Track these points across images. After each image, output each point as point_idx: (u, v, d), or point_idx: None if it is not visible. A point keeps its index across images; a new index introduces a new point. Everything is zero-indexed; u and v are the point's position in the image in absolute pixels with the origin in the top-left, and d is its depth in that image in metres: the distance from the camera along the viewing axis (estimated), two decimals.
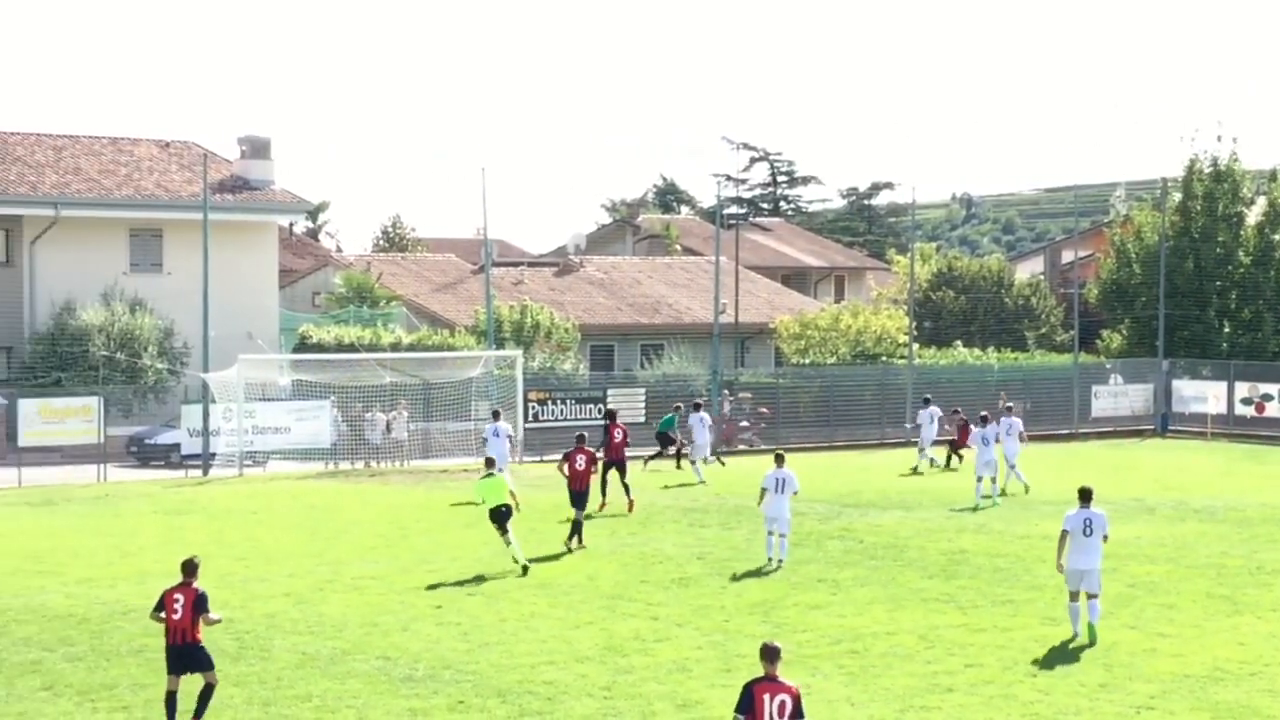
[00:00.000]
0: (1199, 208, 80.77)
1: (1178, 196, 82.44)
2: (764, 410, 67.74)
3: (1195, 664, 25.55)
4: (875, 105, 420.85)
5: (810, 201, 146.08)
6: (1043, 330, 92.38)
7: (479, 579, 33.08)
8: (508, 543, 34.53)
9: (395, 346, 68.05)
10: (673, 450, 55.70)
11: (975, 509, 44.37)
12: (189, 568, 22.13)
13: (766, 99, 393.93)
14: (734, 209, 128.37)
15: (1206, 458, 61.98)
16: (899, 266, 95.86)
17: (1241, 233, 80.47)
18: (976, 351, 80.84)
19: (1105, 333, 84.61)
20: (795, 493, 35.10)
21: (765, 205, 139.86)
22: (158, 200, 69.76)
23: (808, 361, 76.55)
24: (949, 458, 56.76)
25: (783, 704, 16.87)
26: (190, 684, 22.00)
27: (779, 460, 35.55)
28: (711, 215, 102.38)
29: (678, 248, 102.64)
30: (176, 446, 57.46)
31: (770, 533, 35.02)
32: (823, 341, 78.38)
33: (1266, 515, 43.49)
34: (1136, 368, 76.44)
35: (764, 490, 35.13)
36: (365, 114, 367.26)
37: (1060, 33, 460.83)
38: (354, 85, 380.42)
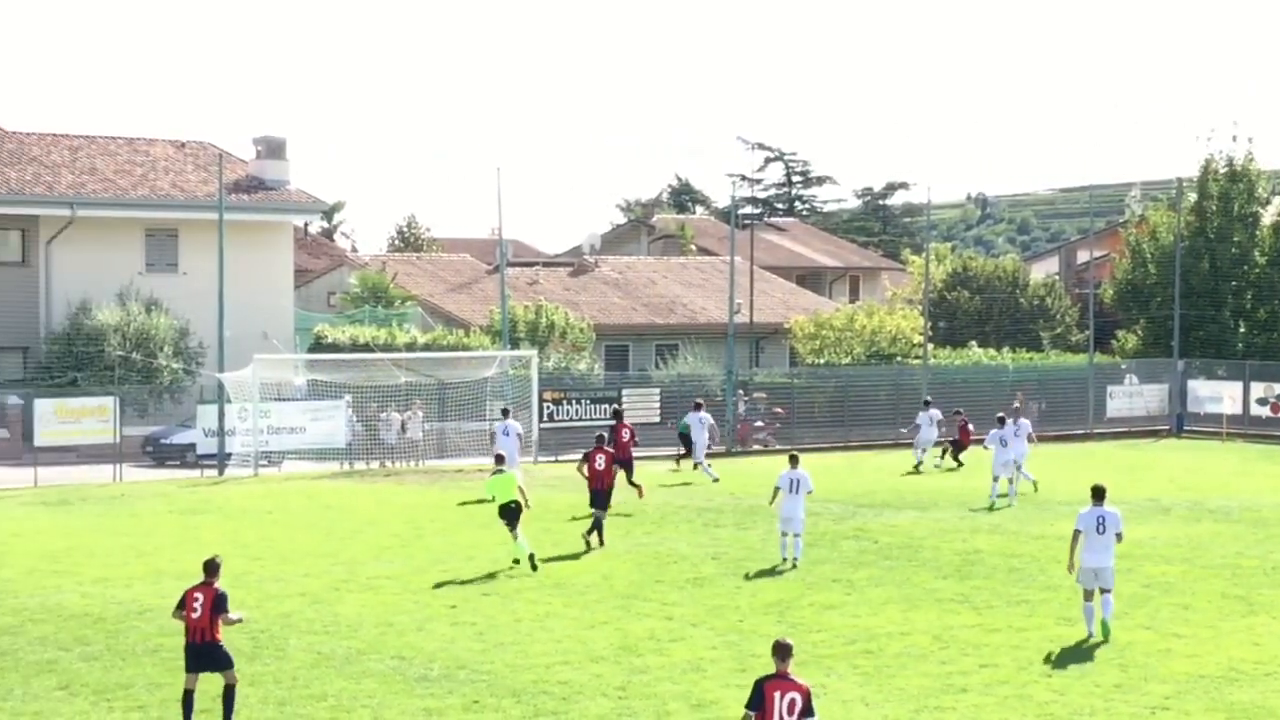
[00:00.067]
0: (1214, 208, 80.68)
1: (1193, 196, 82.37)
2: (779, 410, 67.70)
3: (1210, 664, 25.52)
4: (890, 105, 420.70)
5: (825, 201, 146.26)
6: (1058, 330, 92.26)
7: (494, 579, 33.11)
8: (513, 536, 34.64)
9: (410, 346, 68.08)
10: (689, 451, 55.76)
11: (990, 509, 44.36)
12: (210, 567, 22.16)
13: (782, 99, 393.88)
14: (749, 209, 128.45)
15: (1222, 458, 61.89)
16: (914, 267, 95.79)
17: (1257, 233, 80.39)
18: (991, 352, 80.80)
19: (1120, 333, 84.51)
20: (809, 493, 35.13)
21: (780, 205, 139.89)
22: (173, 200, 69.87)
23: (822, 362, 76.52)
24: (943, 454, 56.80)
25: (793, 702, 16.86)
26: (207, 683, 22.02)
27: (793, 461, 35.58)
28: (726, 215, 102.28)
29: (693, 248, 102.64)
30: (192, 446, 57.50)
31: (784, 533, 35.02)
32: (837, 342, 78.36)
33: None
34: (1152, 368, 76.34)
35: (777, 489, 35.18)
36: (381, 114, 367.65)
37: (1076, 32, 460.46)
38: (369, 86, 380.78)
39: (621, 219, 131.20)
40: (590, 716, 22.64)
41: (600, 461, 38.18)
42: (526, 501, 35.20)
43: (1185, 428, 73.24)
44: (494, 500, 35.26)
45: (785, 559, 34.77)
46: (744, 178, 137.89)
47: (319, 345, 69.08)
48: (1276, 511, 44.23)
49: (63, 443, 55.02)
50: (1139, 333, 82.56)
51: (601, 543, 37.19)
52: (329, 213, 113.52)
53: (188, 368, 65.10)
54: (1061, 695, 23.65)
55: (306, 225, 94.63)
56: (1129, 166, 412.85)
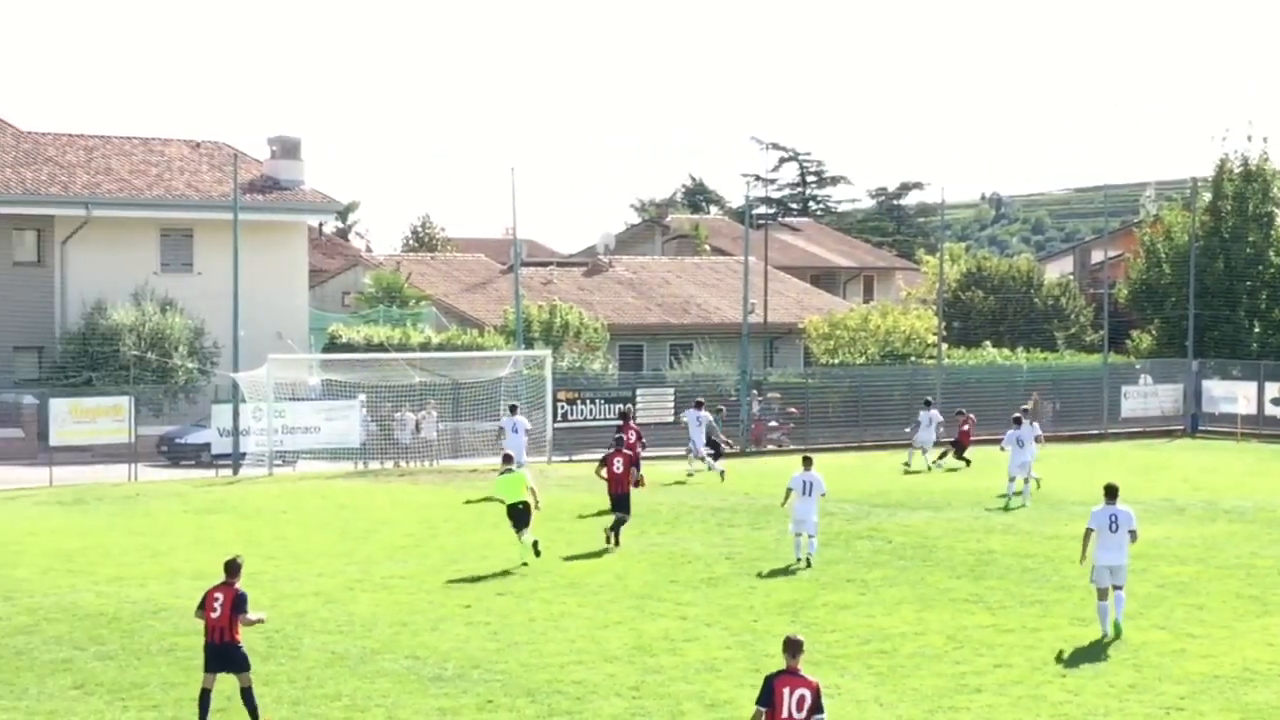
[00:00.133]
0: (1229, 207, 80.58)
1: (1208, 196, 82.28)
2: (793, 410, 67.70)
3: (1225, 665, 25.49)
4: (905, 105, 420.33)
5: (839, 201, 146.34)
6: (1072, 330, 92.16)
7: (508, 578, 33.14)
8: (525, 541, 34.76)
9: (424, 346, 68.17)
10: (725, 451, 56.07)
11: (1006, 509, 44.35)
12: (231, 567, 22.17)
13: (796, 99, 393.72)
14: (763, 209, 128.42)
15: (1237, 458, 61.81)
16: (928, 266, 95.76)
17: (1272, 232, 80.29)
18: (1006, 352, 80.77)
19: (1135, 333, 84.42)
20: (823, 495, 35.11)
21: (794, 205, 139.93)
22: (188, 200, 70.02)
23: (836, 362, 76.50)
24: (943, 455, 56.80)
25: (802, 698, 16.86)
26: (222, 683, 22.03)
27: (807, 463, 35.56)
28: (740, 215, 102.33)
29: (707, 248, 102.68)
30: (207, 446, 57.56)
31: (797, 534, 35.01)
32: (852, 342, 78.35)
33: None
34: (1166, 368, 76.27)
35: (789, 491, 35.19)
36: (395, 114, 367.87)
37: (1091, 32, 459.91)
38: (384, 86, 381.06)
39: (636, 219, 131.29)
40: (604, 716, 22.65)
41: (618, 464, 38.17)
42: (537, 503, 35.27)
43: (1200, 428, 73.17)
44: (502, 501, 35.32)
45: (799, 559, 34.77)
46: (758, 178, 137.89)
47: (333, 345, 69.18)
48: None
49: (78, 442, 55.11)
50: (1153, 333, 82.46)
51: (617, 543, 37.21)
52: (343, 213, 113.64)
53: (202, 367, 65.22)
54: (1076, 695, 23.64)
55: (321, 225, 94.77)
56: (1144, 166, 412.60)
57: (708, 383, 67.74)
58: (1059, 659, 25.89)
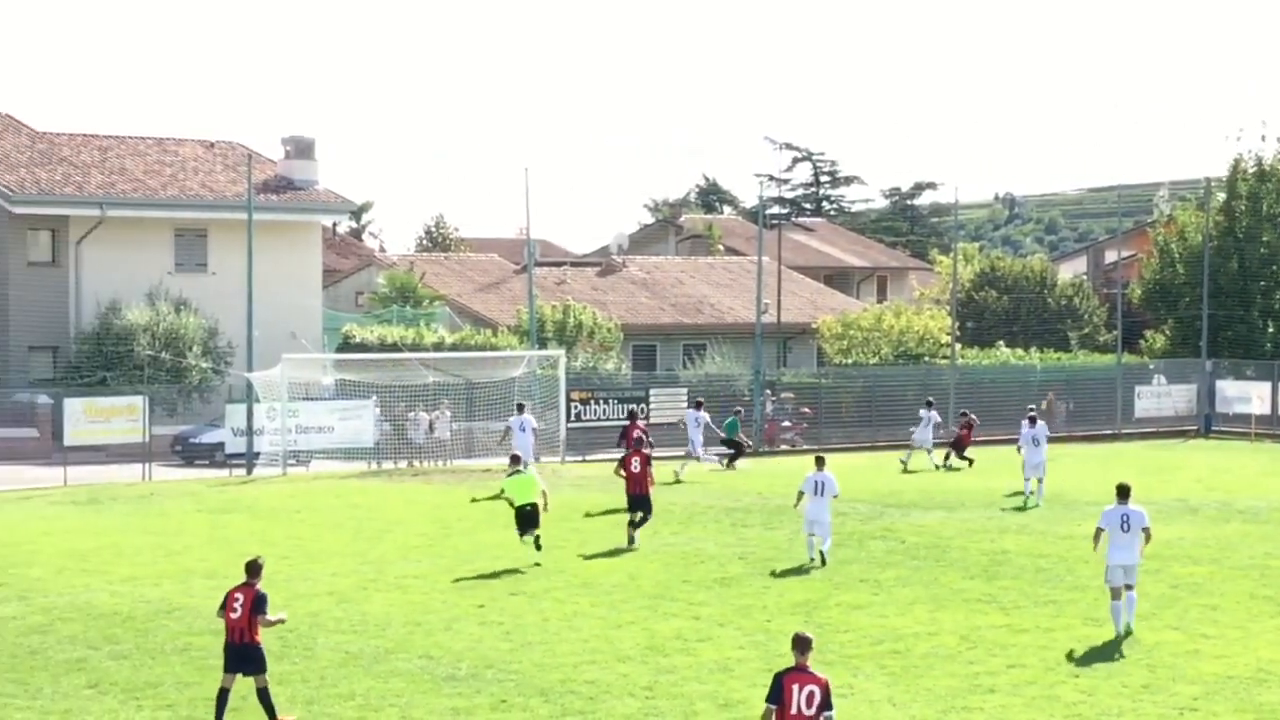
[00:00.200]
0: (1243, 207, 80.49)
1: (1222, 196, 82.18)
2: (806, 410, 67.74)
3: (1239, 665, 25.46)
4: (918, 105, 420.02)
5: (853, 201, 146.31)
6: (1086, 330, 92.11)
7: (521, 578, 33.16)
8: (527, 539, 34.87)
9: (438, 346, 68.24)
10: (747, 451, 56.20)
11: (1023, 508, 44.37)
12: (252, 568, 22.19)
13: (810, 99, 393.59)
14: (776, 209, 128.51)
15: (1250, 458, 61.72)
16: (942, 266, 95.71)
17: None
18: (1019, 352, 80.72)
19: (1149, 333, 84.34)
20: (835, 496, 35.06)
21: (808, 205, 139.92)
22: (202, 200, 70.13)
23: (850, 362, 76.52)
24: (946, 456, 56.81)
25: (811, 694, 16.88)
26: (240, 684, 22.03)
27: (819, 463, 35.53)
28: (754, 215, 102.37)
29: (720, 248, 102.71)
30: (221, 446, 57.62)
31: (811, 534, 35.01)
32: (865, 342, 78.37)
33: None
34: (1180, 368, 76.20)
35: (801, 493, 35.18)
36: (409, 114, 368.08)
37: (1105, 31, 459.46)
38: (397, 86, 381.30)
39: (649, 219, 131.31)
40: (617, 716, 22.67)
41: (636, 464, 38.18)
42: (546, 505, 35.31)
43: (1213, 428, 73.11)
44: (511, 502, 35.35)
45: (812, 559, 34.77)
46: (772, 178, 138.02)
47: (347, 345, 69.27)
48: None
49: (92, 442, 55.21)
50: (1167, 333, 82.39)
51: (630, 542, 37.21)
52: (357, 213, 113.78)
53: (216, 367, 65.33)
54: (1089, 696, 23.63)
55: (335, 225, 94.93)
56: (1157, 166, 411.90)
57: (721, 383, 67.83)
58: (1073, 659, 25.88)
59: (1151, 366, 78.09)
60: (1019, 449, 47.73)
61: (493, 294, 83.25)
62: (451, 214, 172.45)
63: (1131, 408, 73.66)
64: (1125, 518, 27.49)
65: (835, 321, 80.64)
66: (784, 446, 64.95)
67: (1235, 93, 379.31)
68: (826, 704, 16.89)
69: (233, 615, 21.81)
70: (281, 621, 22.75)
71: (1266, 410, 71.67)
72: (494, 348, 67.64)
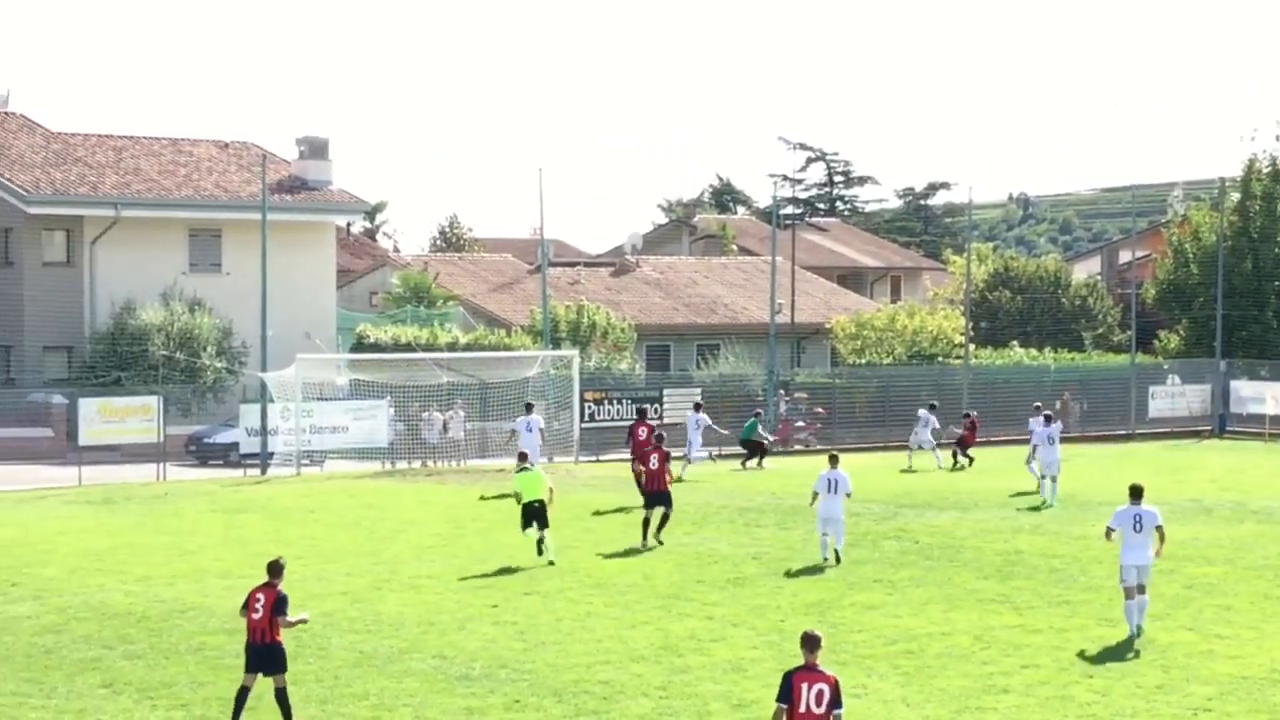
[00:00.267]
0: (1257, 207, 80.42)
1: (1236, 196, 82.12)
2: (820, 410, 67.75)
3: (1253, 666, 25.44)
4: (932, 105, 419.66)
5: (867, 202, 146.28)
6: (1100, 331, 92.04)
7: (535, 578, 33.18)
8: (538, 535, 35.02)
9: (452, 346, 68.27)
10: (761, 453, 56.31)
11: (1042, 507, 44.38)
12: (274, 568, 22.19)
13: (824, 99, 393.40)
14: (790, 209, 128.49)
15: (1265, 458, 61.63)
16: (955, 267, 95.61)
17: None
18: (1033, 352, 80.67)
19: (1163, 333, 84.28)
20: (849, 494, 35.04)
21: (822, 205, 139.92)
22: (217, 201, 70.22)
23: (864, 362, 76.51)
24: (955, 457, 56.97)
25: (820, 693, 16.88)
26: (263, 684, 22.03)
27: (833, 461, 35.57)
28: (768, 215, 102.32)
29: (734, 248, 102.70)
30: (235, 445, 57.69)
31: (824, 534, 35.03)
32: (879, 342, 78.35)
33: None
34: (1194, 368, 76.13)
35: (815, 493, 35.17)
36: (422, 114, 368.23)
37: (1119, 31, 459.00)
38: (411, 86, 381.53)
39: (663, 219, 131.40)
40: (631, 716, 22.69)
41: (654, 461, 38.22)
42: (551, 499, 35.49)
43: (1228, 428, 73.03)
44: (520, 498, 35.52)
45: (826, 559, 34.78)
46: (785, 178, 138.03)
47: (361, 345, 69.33)
48: None
49: (107, 442, 55.31)
50: (1181, 333, 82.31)
51: (644, 541, 37.23)
52: (371, 213, 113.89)
53: (231, 367, 65.41)
54: (1103, 696, 23.62)
55: (349, 225, 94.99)
56: (1172, 166, 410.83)
57: (735, 383, 67.86)
58: (1086, 659, 25.87)
59: (1166, 367, 78.02)
60: (1034, 448, 47.72)
61: (507, 294, 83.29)
62: (465, 214, 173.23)
63: (1146, 408, 73.58)
64: (1138, 518, 27.46)
65: (849, 322, 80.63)
66: (798, 446, 64.96)
67: (1250, 93, 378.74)
68: (836, 702, 16.90)
69: (254, 616, 21.82)
70: (304, 622, 22.74)
71: None
72: (508, 348, 67.68)
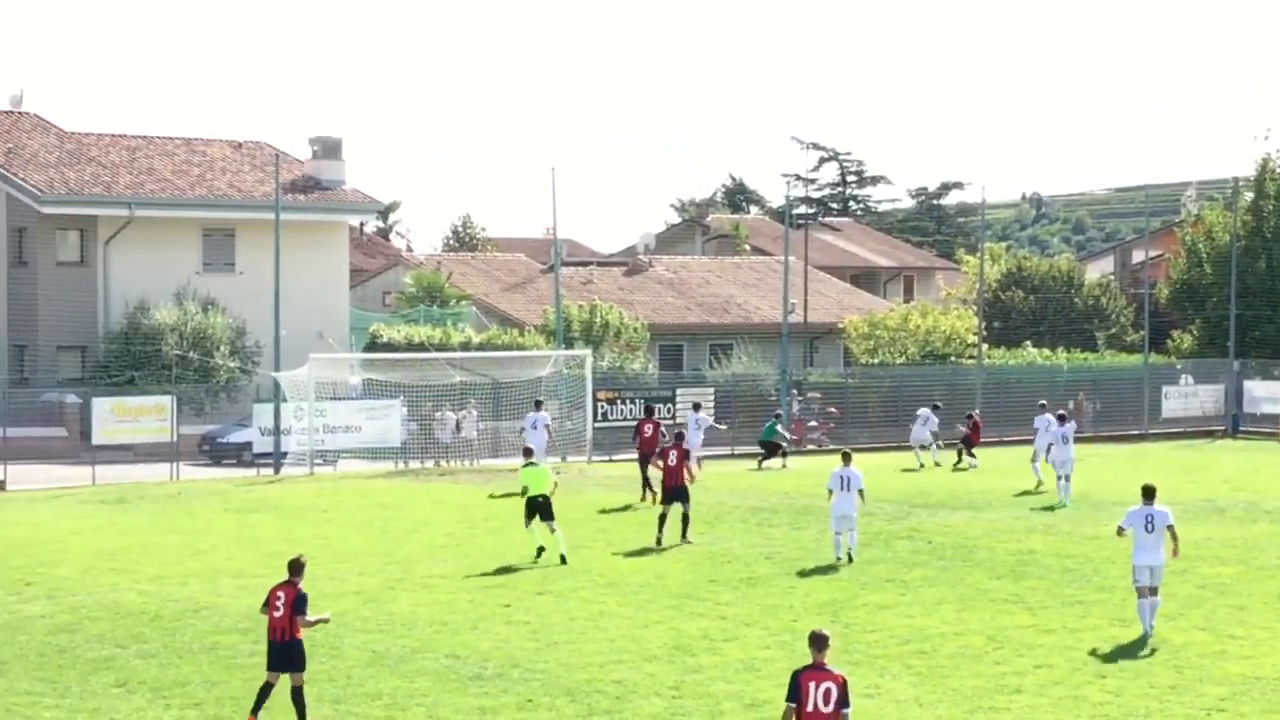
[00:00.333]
0: (1271, 207, 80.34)
1: (1249, 196, 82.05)
2: (833, 410, 67.73)
3: (1267, 666, 25.41)
4: (945, 105, 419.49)
5: (879, 201, 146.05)
6: (1113, 331, 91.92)
7: (548, 578, 33.20)
8: (549, 530, 35.18)
9: (465, 346, 68.27)
10: (780, 453, 56.44)
11: (1059, 506, 44.38)
12: (294, 567, 22.18)
13: (837, 99, 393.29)
14: (803, 209, 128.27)
15: (1278, 459, 61.54)
16: (968, 266, 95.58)
17: None
18: (1046, 352, 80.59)
19: (1176, 333, 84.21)
20: (861, 491, 35.02)
21: (834, 205, 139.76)
22: (230, 200, 70.27)
23: (876, 361, 76.47)
24: (960, 456, 57.08)
25: (828, 691, 16.89)
26: (282, 683, 22.06)
27: (845, 459, 35.58)
28: (781, 215, 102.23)
29: (747, 248, 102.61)
30: (248, 445, 57.74)
31: (837, 532, 35.05)
32: (892, 341, 78.29)
33: None
34: (1208, 368, 76.05)
35: (830, 490, 35.19)
36: (435, 114, 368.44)
37: (1132, 31, 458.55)
38: (425, 86, 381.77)
39: (676, 219, 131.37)
40: (644, 715, 22.69)
41: (673, 458, 38.27)
42: (553, 490, 35.75)
43: (1241, 428, 72.94)
44: (524, 492, 35.64)
45: (839, 558, 34.79)
46: (799, 177, 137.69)
47: (374, 345, 69.34)
48: None
49: (120, 441, 55.44)
50: (1194, 333, 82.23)
51: (659, 532, 37.25)
52: (384, 212, 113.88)
53: (244, 367, 65.46)
54: (1116, 696, 23.60)
55: (362, 225, 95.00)
56: (1185, 166, 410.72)
57: (747, 383, 67.84)
58: (1099, 659, 25.85)
59: (1179, 367, 77.95)
60: (1049, 446, 47.75)
61: (519, 294, 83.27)
62: (478, 213, 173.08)
63: (1159, 408, 73.53)
64: (1150, 518, 27.45)
65: (862, 321, 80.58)
66: (811, 446, 64.94)
67: (1263, 92, 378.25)
68: (844, 701, 16.91)
69: (275, 614, 21.83)
70: (324, 621, 22.72)
71: None
72: (521, 347, 67.68)
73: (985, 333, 78.12)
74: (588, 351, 63.33)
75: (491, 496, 46.82)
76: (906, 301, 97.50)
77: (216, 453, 60.18)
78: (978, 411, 60.43)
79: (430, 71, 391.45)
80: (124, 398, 56.59)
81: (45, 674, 25.03)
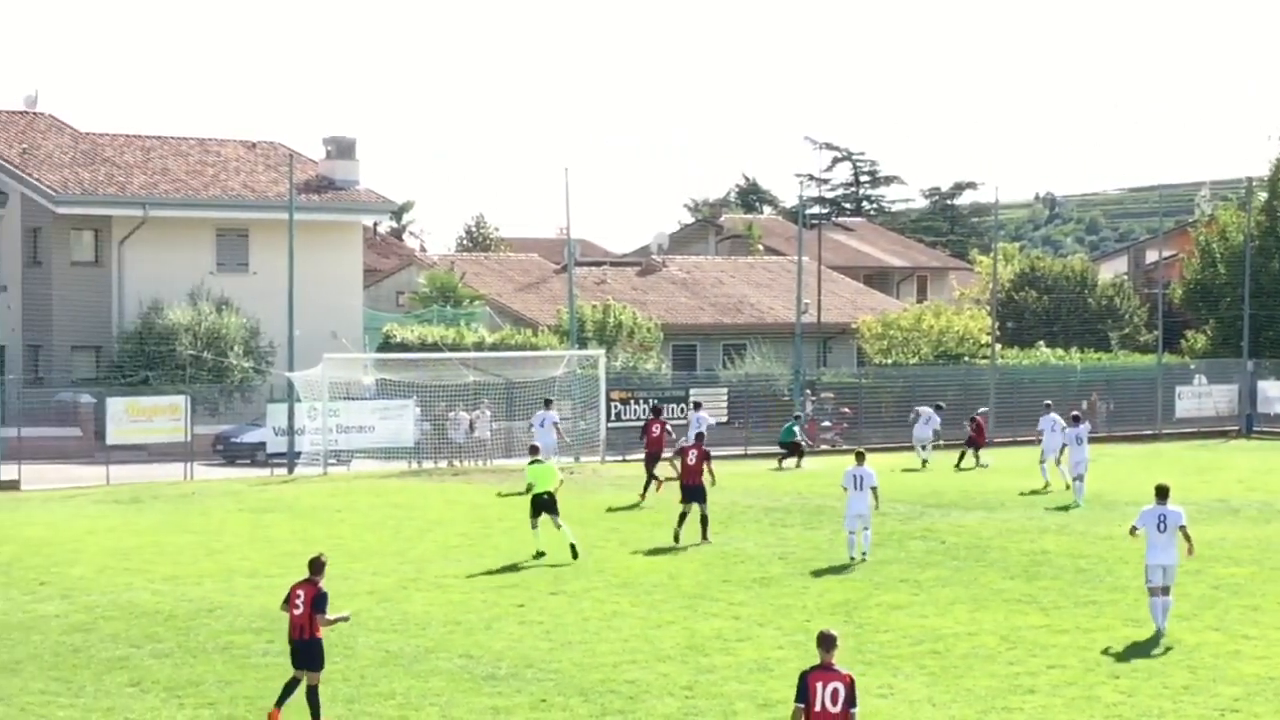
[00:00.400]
0: None
1: (1263, 196, 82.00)
2: (846, 410, 67.74)
3: None
4: (958, 105, 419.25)
5: (893, 201, 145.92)
6: (1126, 331, 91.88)
7: (561, 578, 33.20)
8: (555, 525, 35.32)
9: (479, 346, 68.32)
10: (799, 454, 56.60)
11: (1074, 505, 44.36)
12: (315, 565, 22.21)
13: (850, 99, 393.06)
14: (816, 209, 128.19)
15: None
16: (982, 266, 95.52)
17: None
18: (1059, 352, 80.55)
19: (1189, 333, 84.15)
20: (874, 489, 35.01)
21: (848, 205, 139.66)
22: (244, 200, 70.34)
23: (890, 362, 76.46)
24: (961, 456, 57.15)
25: (835, 691, 16.90)
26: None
27: (859, 458, 35.59)
28: (794, 215, 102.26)
29: (760, 247, 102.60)
30: (262, 445, 57.83)
31: (851, 532, 35.07)
32: (905, 342, 78.28)
33: None
34: (1221, 368, 75.98)
35: (845, 489, 35.22)
36: (449, 115, 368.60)
37: (1146, 31, 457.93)
38: (439, 86, 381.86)
39: (689, 219, 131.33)
40: (657, 715, 22.70)
41: (692, 457, 38.30)
42: (559, 487, 35.92)
43: (1255, 428, 72.86)
44: (531, 488, 35.76)
45: (853, 557, 34.80)
46: (812, 177, 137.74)
47: (388, 345, 69.40)
48: None
49: (134, 441, 55.53)
50: (1208, 333, 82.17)
51: (677, 539, 37.27)
52: (398, 213, 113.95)
53: (258, 367, 65.52)
54: (1129, 696, 23.59)
55: (376, 225, 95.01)
56: (1199, 166, 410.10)
57: (761, 383, 67.85)
58: (1113, 659, 25.82)
59: (1192, 367, 77.90)
60: (1062, 447, 47.75)
61: (533, 294, 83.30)
62: (492, 214, 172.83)
63: (1172, 408, 73.47)
64: (1162, 518, 27.46)
65: (875, 321, 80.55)
66: (824, 446, 64.94)
67: (1277, 92, 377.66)
68: (851, 700, 16.92)
69: (295, 612, 21.86)
70: (344, 620, 22.74)
71: None
72: (534, 347, 67.72)
73: (998, 333, 78.10)
74: (601, 352, 63.36)
75: (500, 495, 46.82)
76: (920, 302, 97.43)
77: (230, 453, 60.28)
78: (981, 412, 60.32)
79: (444, 71, 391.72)
80: (138, 398, 56.69)
81: (60, 673, 25.07)
